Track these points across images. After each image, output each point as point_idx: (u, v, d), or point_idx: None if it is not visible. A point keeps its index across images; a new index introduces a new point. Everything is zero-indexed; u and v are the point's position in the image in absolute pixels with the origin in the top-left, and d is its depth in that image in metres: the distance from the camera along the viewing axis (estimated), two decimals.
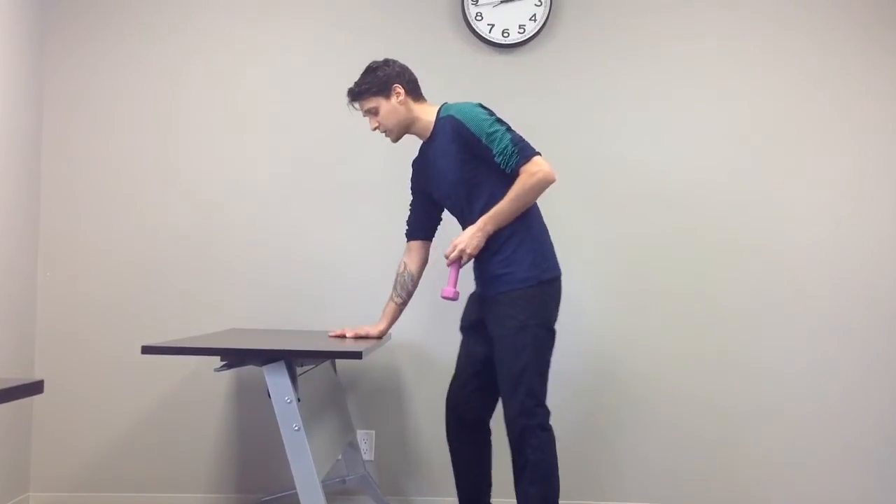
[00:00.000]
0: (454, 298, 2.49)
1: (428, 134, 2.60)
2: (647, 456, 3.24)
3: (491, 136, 2.44)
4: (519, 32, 3.26)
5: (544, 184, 2.44)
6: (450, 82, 3.26)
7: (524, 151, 2.43)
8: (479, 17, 3.25)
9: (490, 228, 2.45)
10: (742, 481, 3.23)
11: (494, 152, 2.43)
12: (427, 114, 2.60)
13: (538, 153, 2.46)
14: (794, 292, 3.26)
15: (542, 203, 2.58)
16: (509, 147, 2.43)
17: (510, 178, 2.46)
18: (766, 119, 3.31)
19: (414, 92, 2.62)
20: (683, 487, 3.22)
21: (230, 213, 3.26)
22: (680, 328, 3.26)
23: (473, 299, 2.67)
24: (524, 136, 2.48)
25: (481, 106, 2.52)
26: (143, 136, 3.26)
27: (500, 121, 2.49)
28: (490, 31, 3.26)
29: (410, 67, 3.13)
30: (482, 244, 2.46)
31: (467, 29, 3.27)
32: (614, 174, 3.29)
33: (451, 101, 2.60)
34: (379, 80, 2.57)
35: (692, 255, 3.28)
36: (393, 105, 2.57)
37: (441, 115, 2.56)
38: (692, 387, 3.24)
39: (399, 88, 2.57)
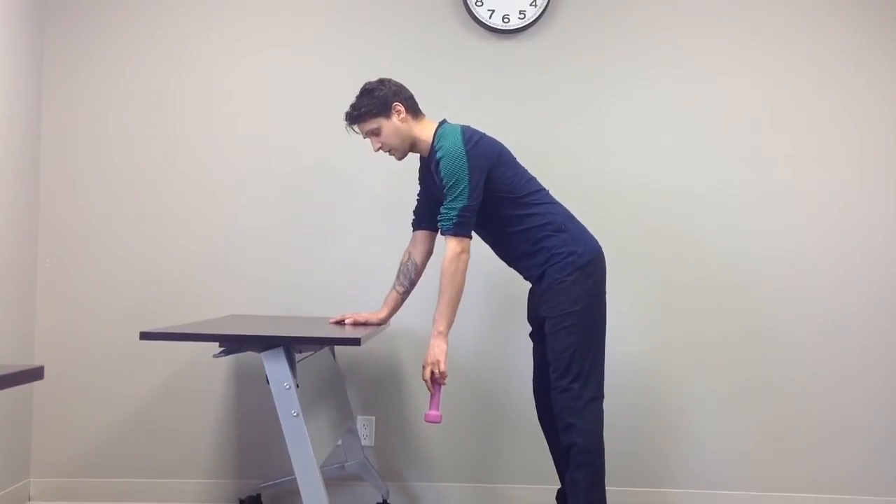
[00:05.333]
0: (437, 421, 2.47)
1: (428, 152, 2.62)
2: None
3: (450, 189, 2.48)
4: (519, 18, 3.24)
5: (463, 266, 2.49)
6: (450, 68, 3.26)
7: (457, 228, 2.47)
8: (479, 3, 3.23)
9: (443, 328, 2.50)
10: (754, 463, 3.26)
11: (444, 203, 2.49)
12: (426, 133, 2.61)
13: (467, 237, 2.50)
14: (796, 286, 3.27)
15: (554, 190, 2.65)
16: (452, 213, 2.47)
17: (498, 190, 2.53)
18: (770, 105, 3.29)
19: (413, 109, 2.62)
20: (691, 469, 3.25)
21: (229, 202, 3.25)
22: (680, 319, 3.26)
23: (530, 298, 2.69)
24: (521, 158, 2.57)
25: (469, 151, 2.49)
26: (142, 128, 3.25)
27: (472, 176, 2.46)
28: (490, 17, 3.24)
29: (410, 53, 3.11)
30: (446, 346, 2.49)
31: (467, 14, 3.25)
32: (616, 160, 3.27)
33: (448, 120, 2.64)
34: (378, 100, 2.56)
35: (693, 243, 3.27)
36: (395, 124, 2.58)
37: (435, 138, 2.57)
38: (700, 376, 3.25)
39: (399, 106, 2.57)
